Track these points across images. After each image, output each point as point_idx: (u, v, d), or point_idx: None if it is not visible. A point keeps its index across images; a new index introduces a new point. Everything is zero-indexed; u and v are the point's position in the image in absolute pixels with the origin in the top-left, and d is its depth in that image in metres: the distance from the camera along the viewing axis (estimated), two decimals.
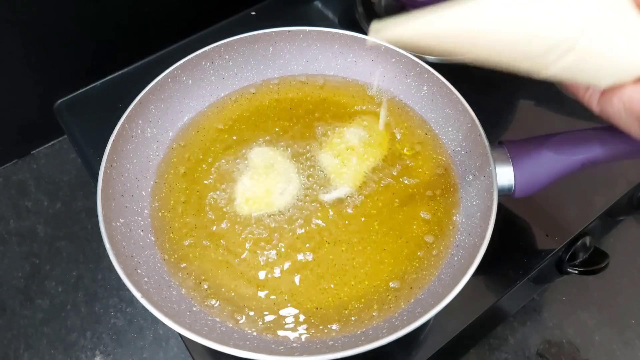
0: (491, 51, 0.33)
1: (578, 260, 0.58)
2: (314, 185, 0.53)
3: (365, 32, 0.60)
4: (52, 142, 0.80)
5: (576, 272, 0.58)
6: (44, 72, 0.72)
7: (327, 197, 0.52)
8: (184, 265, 0.48)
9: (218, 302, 0.46)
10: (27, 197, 0.74)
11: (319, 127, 0.58)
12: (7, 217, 0.72)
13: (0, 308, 0.65)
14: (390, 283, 0.47)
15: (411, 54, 0.57)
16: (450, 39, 0.33)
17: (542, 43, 0.32)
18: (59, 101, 0.66)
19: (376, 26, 0.34)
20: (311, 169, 0.54)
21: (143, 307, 0.39)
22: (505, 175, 0.46)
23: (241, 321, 0.45)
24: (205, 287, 0.47)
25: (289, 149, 0.56)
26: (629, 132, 0.34)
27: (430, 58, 0.69)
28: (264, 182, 0.53)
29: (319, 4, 0.79)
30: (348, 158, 0.55)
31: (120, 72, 0.68)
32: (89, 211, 0.73)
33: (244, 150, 0.56)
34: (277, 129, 0.58)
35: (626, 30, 0.31)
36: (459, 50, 0.33)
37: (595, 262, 0.57)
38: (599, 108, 0.35)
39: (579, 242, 0.56)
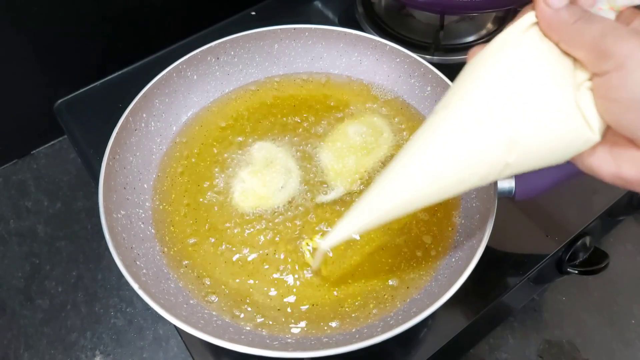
0: (437, 197, 0.34)
1: (578, 260, 0.58)
2: (314, 182, 0.53)
3: (365, 32, 0.60)
4: (52, 142, 0.80)
5: (576, 272, 0.58)
6: (44, 72, 0.72)
7: (325, 197, 0.52)
8: (183, 259, 0.49)
9: (216, 296, 0.46)
10: (27, 197, 0.74)
11: (321, 126, 0.58)
12: (7, 217, 0.72)
13: (0, 308, 0.65)
14: (389, 281, 0.47)
15: (416, 54, 0.57)
16: (389, 217, 0.35)
17: (473, 180, 0.32)
18: (59, 101, 0.66)
19: (325, 243, 0.39)
20: (312, 168, 0.54)
21: (143, 307, 0.39)
22: (505, 178, 0.46)
23: (240, 316, 0.45)
24: (205, 281, 0.47)
25: (292, 147, 0.56)
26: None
27: (432, 58, 0.69)
28: (263, 178, 0.53)
29: (319, 4, 0.79)
30: (348, 157, 0.55)
31: (120, 72, 0.68)
32: (89, 211, 0.73)
33: (246, 146, 0.56)
34: (280, 126, 0.58)
35: (563, 112, 0.29)
36: (406, 213, 0.35)
37: (595, 262, 0.57)
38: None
39: (579, 242, 0.56)
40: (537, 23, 0.30)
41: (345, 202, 0.52)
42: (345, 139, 0.56)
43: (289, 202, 0.52)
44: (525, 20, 0.31)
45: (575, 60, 0.30)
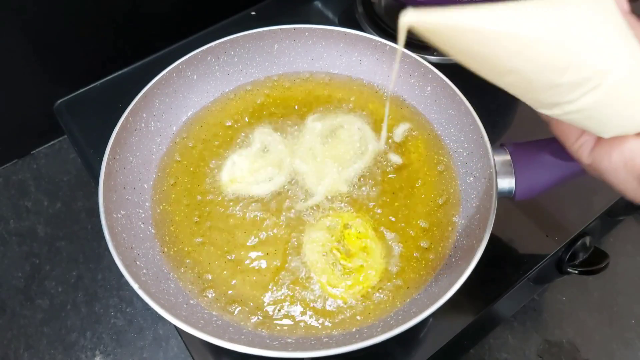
0: (525, 72, 0.30)
1: (578, 260, 0.58)
2: (297, 186, 0.53)
3: (365, 32, 0.60)
4: (52, 142, 0.80)
5: (576, 272, 0.58)
6: (44, 72, 0.72)
7: (305, 203, 0.52)
8: (183, 259, 0.49)
9: (214, 295, 0.47)
10: (27, 197, 0.74)
11: (323, 126, 0.58)
12: (7, 217, 0.72)
13: (0, 308, 0.65)
14: (387, 283, 0.47)
15: (416, 53, 0.57)
16: (492, 45, 0.29)
17: (577, 73, 0.29)
18: (59, 101, 0.66)
19: (411, 12, 0.30)
20: (312, 166, 0.54)
21: (143, 307, 0.39)
22: (506, 178, 0.46)
23: (235, 313, 0.45)
24: (204, 281, 0.47)
25: (293, 147, 0.56)
26: (623, 191, 0.31)
27: (432, 58, 0.69)
28: (253, 167, 0.54)
29: (319, 4, 0.79)
30: (348, 157, 0.55)
31: (120, 72, 0.68)
32: (89, 211, 0.73)
33: (246, 146, 0.56)
34: (279, 126, 0.58)
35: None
36: (495, 63, 0.30)
37: (595, 262, 0.57)
38: (590, 160, 0.32)
39: (579, 242, 0.56)
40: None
41: (345, 200, 0.52)
42: (344, 139, 0.56)
43: (279, 194, 0.52)
44: None
45: None
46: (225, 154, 0.56)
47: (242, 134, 0.58)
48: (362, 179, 0.53)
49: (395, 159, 0.55)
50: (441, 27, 0.29)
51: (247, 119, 0.59)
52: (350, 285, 0.47)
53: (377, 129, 0.57)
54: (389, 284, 0.47)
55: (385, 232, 0.50)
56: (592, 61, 0.29)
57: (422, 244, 0.49)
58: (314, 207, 0.51)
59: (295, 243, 0.49)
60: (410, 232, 0.50)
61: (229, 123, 0.59)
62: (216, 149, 0.56)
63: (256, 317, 0.45)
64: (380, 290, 0.46)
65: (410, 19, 0.30)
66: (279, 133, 0.57)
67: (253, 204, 0.52)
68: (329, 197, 0.52)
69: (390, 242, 0.49)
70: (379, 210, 0.51)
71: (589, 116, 0.31)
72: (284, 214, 0.51)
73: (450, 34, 0.29)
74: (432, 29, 0.30)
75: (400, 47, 0.34)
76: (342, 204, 0.52)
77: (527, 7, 0.29)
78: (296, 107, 0.60)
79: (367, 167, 0.54)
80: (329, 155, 0.55)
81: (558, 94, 0.31)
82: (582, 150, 0.33)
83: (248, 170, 0.54)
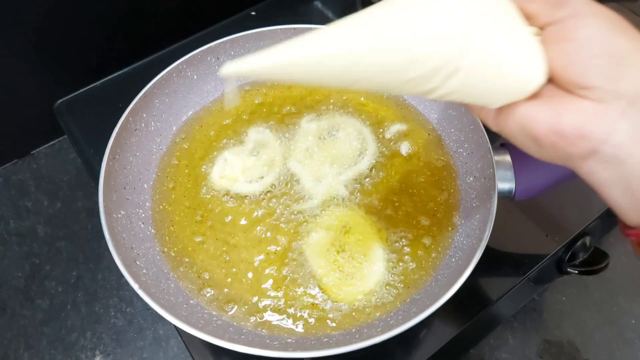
0: (367, 79, 0.30)
1: (578, 260, 0.58)
2: (310, 181, 0.53)
3: None
4: (52, 142, 0.80)
5: (576, 272, 0.58)
6: (44, 72, 0.72)
7: (314, 199, 0.52)
8: (183, 259, 0.49)
9: (213, 293, 0.47)
10: (27, 197, 0.74)
11: (318, 127, 0.58)
12: (7, 217, 0.72)
13: (0, 308, 0.65)
14: (387, 283, 0.47)
15: None
16: (317, 70, 0.29)
17: (423, 66, 0.29)
18: (59, 101, 0.66)
19: (228, 65, 0.30)
20: (309, 167, 0.54)
21: (143, 307, 0.39)
22: (506, 178, 0.46)
23: (234, 312, 0.45)
24: (203, 280, 0.47)
25: (290, 148, 0.56)
26: (528, 153, 0.31)
27: None
28: (249, 168, 0.54)
29: (319, 4, 0.79)
30: (346, 159, 0.55)
31: (120, 72, 0.68)
32: (89, 211, 0.73)
33: (240, 144, 0.57)
34: (277, 126, 0.58)
35: (514, 44, 0.29)
36: (333, 81, 0.30)
37: (595, 262, 0.57)
38: (496, 128, 0.33)
39: (579, 242, 0.56)
40: None
41: (345, 199, 0.52)
42: (344, 139, 0.56)
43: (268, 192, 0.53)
44: None
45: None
46: (224, 154, 0.56)
47: (238, 133, 0.57)
48: (361, 180, 0.53)
49: (395, 159, 0.55)
50: (262, 70, 0.29)
51: (245, 119, 0.59)
52: (351, 286, 0.47)
53: (376, 130, 0.57)
54: (388, 284, 0.47)
55: (385, 233, 0.50)
56: (437, 51, 0.29)
57: (422, 244, 0.49)
58: (313, 208, 0.51)
59: (295, 244, 0.49)
60: (411, 232, 0.50)
61: (229, 122, 0.59)
62: (215, 149, 0.56)
63: (255, 317, 0.45)
64: (380, 291, 0.46)
65: (228, 71, 0.30)
66: (273, 132, 0.57)
67: (252, 205, 0.52)
68: (328, 198, 0.52)
69: (390, 243, 0.49)
70: (379, 211, 0.51)
71: (466, 94, 0.31)
72: (284, 215, 0.51)
73: (274, 72, 0.29)
74: (255, 73, 0.29)
75: (230, 97, 0.35)
76: (342, 205, 0.52)
77: (352, 21, 0.29)
78: (295, 108, 0.60)
79: (366, 168, 0.54)
80: (327, 157, 0.55)
81: (417, 86, 0.30)
82: (487, 119, 0.33)
83: (239, 169, 0.54)
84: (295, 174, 0.54)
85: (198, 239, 0.50)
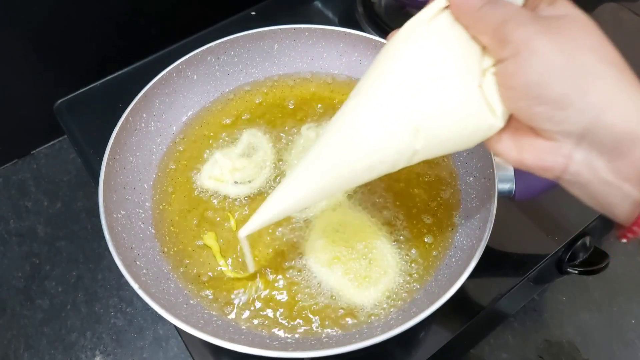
0: (342, 189, 0.36)
1: (578, 260, 0.58)
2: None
3: (365, 32, 0.60)
4: (52, 142, 0.80)
5: (576, 272, 0.58)
6: (44, 72, 0.72)
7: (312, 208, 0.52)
8: (183, 259, 0.49)
9: (213, 295, 0.46)
10: (27, 197, 0.74)
11: (317, 135, 0.58)
12: (7, 217, 0.72)
13: (0, 308, 0.65)
14: (388, 283, 0.47)
15: None
16: (306, 201, 0.36)
17: (383, 165, 0.32)
18: (59, 101, 0.66)
19: (243, 230, 0.39)
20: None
21: (143, 307, 0.39)
22: (506, 178, 0.46)
23: (234, 313, 0.45)
24: (204, 280, 0.47)
25: (286, 153, 0.56)
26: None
27: None
28: (238, 170, 0.54)
29: (319, 4, 0.79)
30: None
31: (120, 72, 0.68)
32: (89, 211, 0.73)
33: (232, 145, 0.56)
34: (275, 128, 0.58)
35: (466, 101, 0.30)
36: (319, 200, 0.38)
37: (595, 262, 0.57)
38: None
39: (579, 242, 0.56)
40: (448, 7, 0.31)
41: (344, 200, 0.52)
42: None
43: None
44: (436, 4, 0.31)
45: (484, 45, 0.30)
46: (224, 154, 0.56)
47: (234, 134, 0.57)
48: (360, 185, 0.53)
49: None
50: (267, 221, 0.38)
51: (245, 119, 0.59)
52: (357, 287, 0.47)
53: None
54: (389, 284, 0.47)
55: (385, 233, 0.50)
56: (386, 153, 0.32)
57: (422, 245, 0.49)
58: (308, 215, 0.51)
59: (295, 245, 0.49)
60: (411, 232, 0.50)
61: (229, 123, 0.59)
62: (212, 149, 0.56)
63: (255, 318, 0.45)
64: (381, 290, 0.46)
65: (245, 233, 0.39)
66: (268, 136, 0.57)
67: (241, 208, 0.52)
68: (324, 204, 0.52)
69: (390, 243, 0.49)
70: (379, 212, 0.51)
71: (436, 154, 0.33)
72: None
73: (276, 218, 0.38)
74: (263, 225, 0.38)
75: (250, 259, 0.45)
76: (341, 206, 0.52)
77: (310, 160, 0.35)
78: (294, 108, 0.60)
79: None
80: None
81: (387, 172, 0.34)
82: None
83: (228, 170, 0.54)
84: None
85: (199, 242, 0.50)
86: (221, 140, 0.57)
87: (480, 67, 0.30)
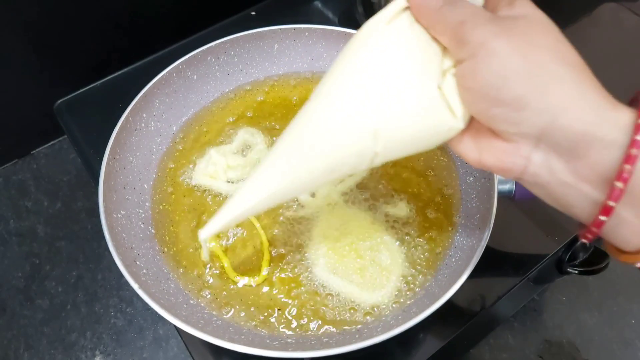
0: (305, 190, 0.34)
1: (578, 260, 0.58)
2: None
3: None
4: (52, 142, 0.80)
5: (576, 272, 0.58)
6: (44, 72, 0.72)
7: (307, 209, 0.52)
8: (183, 259, 0.49)
9: (211, 295, 0.47)
10: (27, 197, 0.74)
11: None
12: (7, 217, 0.72)
13: (0, 308, 0.65)
14: (390, 284, 0.47)
15: None
16: (268, 202, 0.35)
17: (345, 167, 0.32)
18: (59, 101, 0.66)
19: (203, 232, 0.37)
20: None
21: (143, 307, 0.39)
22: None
23: (234, 313, 0.45)
24: (203, 280, 0.47)
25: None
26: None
27: None
28: (232, 168, 0.54)
29: (319, 4, 0.79)
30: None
31: (120, 72, 0.68)
32: (89, 211, 0.73)
33: (228, 143, 0.57)
34: (278, 126, 0.58)
35: (426, 103, 0.30)
36: (282, 202, 0.36)
37: (595, 262, 0.57)
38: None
39: (579, 242, 0.56)
40: (408, 7, 0.30)
41: (344, 200, 0.52)
42: None
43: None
44: (397, 4, 0.31)
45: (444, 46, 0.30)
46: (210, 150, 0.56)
47: (231, 132, 0.57)
48: (360, 183, 0.53)
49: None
50: (228, 223, 0.36)
51: (245, 119, 0.59)
52: (357, 288, 0.47)
53: None
54: (389, 284, 0.47)
55: (386, 233, 0.50)
56: (347, 154, 0.31)
57: (422, 245, 0.49)
58: (306, 215, 0.51)
59: (295, 245, 0.49)
60: (411, 232, 0.50)
61: (229, 122, 0.59)
62: (209, 146, 0.56)
63: (255, 318, 0.45)
64: (381, 291, 0.46)
65: (205, 235, 0.37)
66: (265, 134, 0.57)
67: None
68: (323, 205, 0.51)
69: (391, 243, 0.49)
70: (379, 212, 0.51)
71: (400, 155, 0.33)
72: (281, 218, 0.51)
73: (236, 220, 0.36)
74: (226, 227, 0.37)
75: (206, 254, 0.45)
76: (342, 207, 0.52)
77: (270, 161, 0.34)
78: (295, 107, 0.60)
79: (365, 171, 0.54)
80: None
81: (350, 173, 0.33)
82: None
83: (222, 167, 0.54)
84: None
85: (197, 239, 0.50)
86: (220, 139, 0.57)
87: (440, 68, 0.30)
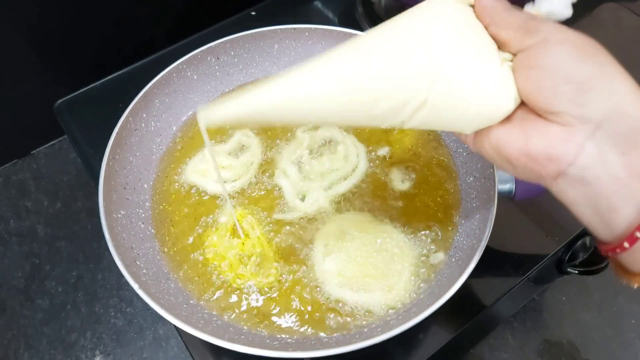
0: (335, 116, 0.31)
1: (578, 260, 0.58)
2: (292, 195, 0.52)
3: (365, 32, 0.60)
4: (52, 142, 0.80)
5: (576, 272, 0.58)
6: (44, 72, 0.72)
7: (296, 212, 0.51)
8: (183, 259, 0.49)
9: (213, 294, 0.47)
10: (27, 197, 0.74)
11: (312, 138, 0.57)
12: (7, 217, 0.72)
13: (0, 308, 0.65)
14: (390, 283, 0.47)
15: None
16: (292, 112, 0.31)
17: (389, 101, 0.30)
18: (59, 101, 0.66)
19: (203, 112, 0.32)
20: (294, 180, 0.54)
21: (143, 307, 0.39)
22: (506, 178, 0.46)
23: (234, 313, 0.45)
24: (203, 280, 0.47)
25: (279, 156, 0.56)
26: (504, 171, 0.34)
27: None
28: (223, 168, 0.54)
29: (319, 4, 0.79)
30: (336, 175, 0.54)
31: (120, 72, 0.68)
32: (89, 211, 0.73)
33: (223, 143, 0.56)
34: (271, 129, 0.58)
35: (482, 74, 0.30)
36: (304, 121, 0.32)
37: (595, 262, 0.57)
38: (474, 149, 0.34)
39: (579, 242, 0.56)
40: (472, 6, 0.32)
41: (343, 201, 0.52)
42: (329, 158, 0.55)
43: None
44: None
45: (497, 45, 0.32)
46: (224, 154, 0.56)
47: (239, 133, 0.57)
48: (360, 182, 0.53)
49: (395, 160, 0.55)
50: (241, 116, 0.31)
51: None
52: (357, 288, 0.47)
53: (371, 143, 0.56)
54: (389, 284, 0.47)
55: (386, 235, 0.50)
56: (400, 88, 0.30)
57: (422, 244, 0.49)
58: (295, 220, 0.51)
59: (297, 245, 0.49)
60: (411, 232, 0.50)
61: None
62: (216, 150, 0.56)
63: (255, 318, 0.45)
64: (381, 291, 0.46)
65: (206, 119, 0.32)
66: (260, 136, 0.57)
67: (220, 208, 0.52)
68: (312, 210, 0.51)
69: (391, 244, 0.49)
70: (379, 213, 0.51)
71: (438, 124, 0.33)
72: (267, 223, 0.51)
73: (248, 118, 0.31)
74: (234, 120, 0.31)
75: (208, 147, 0.38)
76: (342, 207, 0.52)
77: (319, 62, 0.31)
78: None
79: (363, 173, 0.54)
80: (317, 171, 0.53)
81: (386, 120, 0.32)
82: (467, 142, 0.35)
83: (213, 166, 0.53)
84: (277, 184, 0.53)
85: (197, 239, 0.50)
86: (216, 139, 0.57)
87: (498, 58, 0.31)
